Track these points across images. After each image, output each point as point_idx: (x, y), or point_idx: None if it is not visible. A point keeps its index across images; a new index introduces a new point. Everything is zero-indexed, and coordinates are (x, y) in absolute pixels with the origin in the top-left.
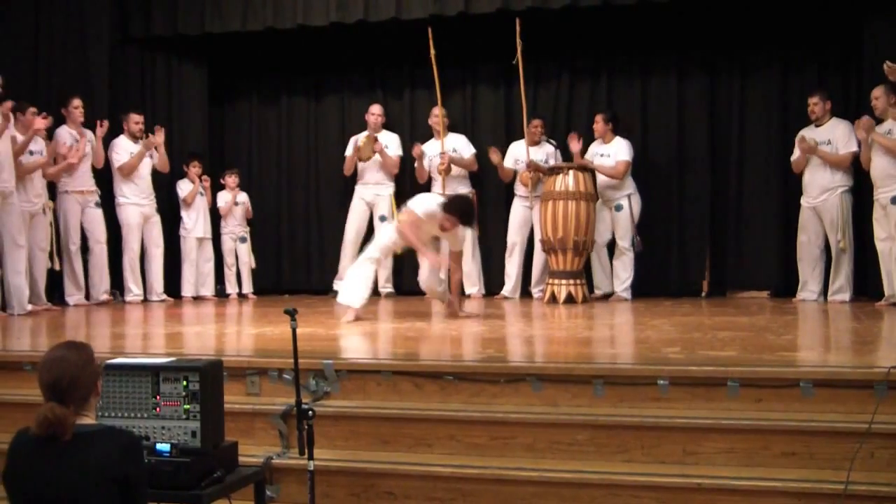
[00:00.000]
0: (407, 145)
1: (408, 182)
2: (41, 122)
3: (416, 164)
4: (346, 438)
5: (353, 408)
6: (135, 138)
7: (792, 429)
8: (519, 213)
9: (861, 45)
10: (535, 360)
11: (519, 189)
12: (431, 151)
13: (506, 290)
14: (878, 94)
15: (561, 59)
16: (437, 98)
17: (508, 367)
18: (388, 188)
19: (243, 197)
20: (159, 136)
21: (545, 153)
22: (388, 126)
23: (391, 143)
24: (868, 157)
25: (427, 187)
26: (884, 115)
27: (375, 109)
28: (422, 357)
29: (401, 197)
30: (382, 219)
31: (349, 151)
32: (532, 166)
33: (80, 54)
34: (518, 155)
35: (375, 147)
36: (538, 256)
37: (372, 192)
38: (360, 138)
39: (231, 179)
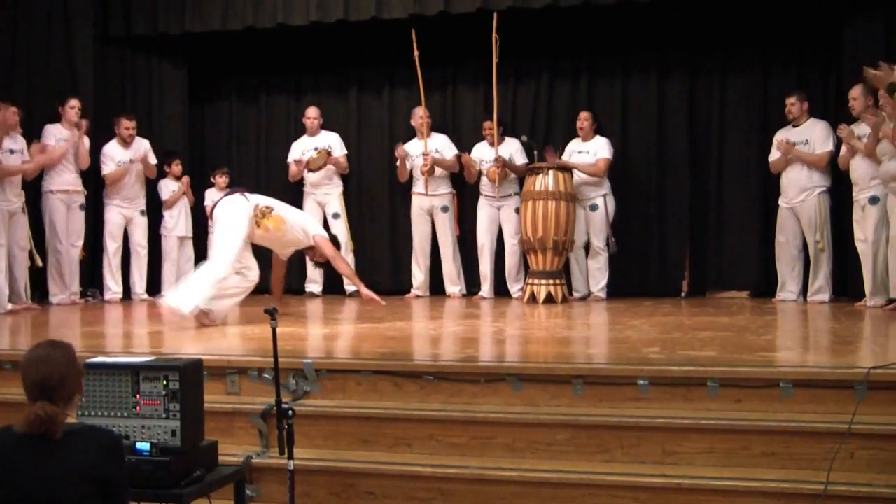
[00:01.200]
0: (387, 145)
1: (354, 180)
2: (12, 118)
3: (397, 164)
4: (326, 438)
5: (333, 407)
6: (125, 143)
7: (772, 429)
8: (486, 212)
9: (840, 46)
10: (515, 360)
11: (485, 188)
12: (414, 152)
13: (483, 291)
14: (855, 95)
15: (541, 59)
16: (420, 98)
17: (488, 367)
18: (338, 186)
19: None
20: (143, 155)
21: (509, 151)
22: (370, 126)
23: (334, 143)
24: (846, 159)
25: (408, 186)
26: (861, 115)
27: (312, 112)
28: (402, 357)
29: (348, 194)
30: (336, 216)
31: (295, 156)
32: (500, 162)
33: (61, 54)
34: (482, 155)
35: (329, 160)
36: (510, 256)
37: (322, 192)
38: (306, 145)
39: (221, 179)
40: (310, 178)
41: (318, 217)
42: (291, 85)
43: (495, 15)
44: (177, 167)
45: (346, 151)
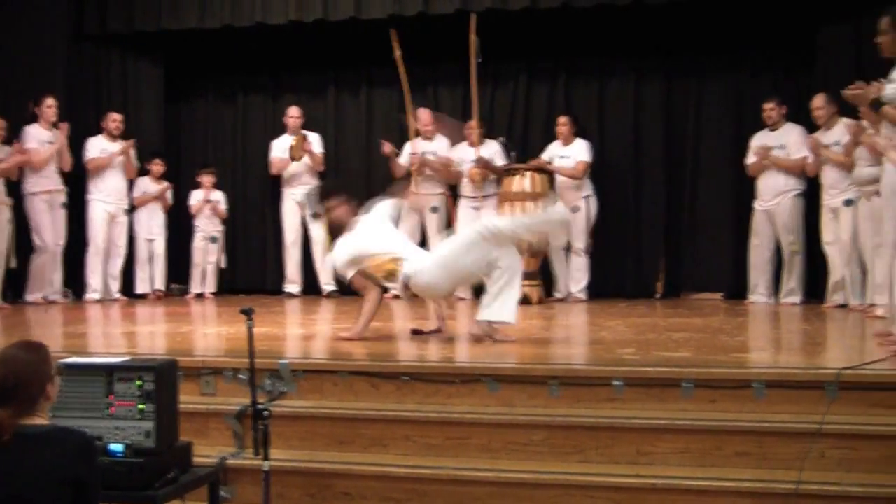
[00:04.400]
0: (364, 145)
1: (331, 177)
2: None
3: (390, 162)
4: (302, 439)
5: (309, 408)
6: (112, 137)
7: (745, 429)
8: (467, 214)
9: (814, 52)
10: (492, 361)
11: (465, 189)
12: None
13: (461, 292)
14: (819, 104)
15: (519, 61)
16: (402, 98)
17: (464, 368)
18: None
19: (217, 196)
20: (129, 144)
21: (490, 152)
22: (348, 126)
23: (313, 141)
24: (815, 167)
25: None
26: (827, 123)
27: (293, 112)
28: (379, 357)
29: None
30: (315, 216)
31: (277, 153)
32: (481, 163)
33: (35, 52)
34: (462, 155)
35: (305, 146)
36: None
37: (300, 192)
38: (287, 142)
39: (206, 179)
40: (288, 178)
41: (297, 217)
42: (269, 84)
43: (472, 17)
44: (157, 167)
45: (323, 150)
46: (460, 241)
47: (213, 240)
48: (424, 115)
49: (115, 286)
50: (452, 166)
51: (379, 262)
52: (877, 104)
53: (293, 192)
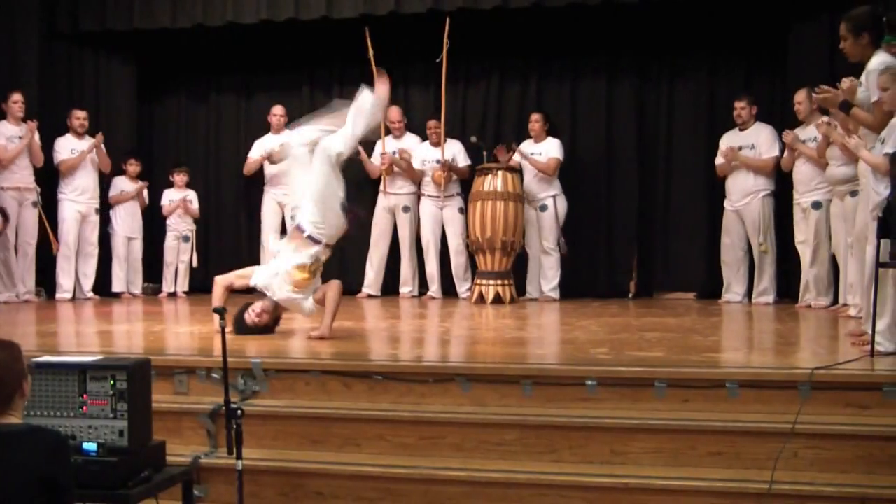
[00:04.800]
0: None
1: None
2: None
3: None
4: (275, 438)
5: (282, 407)
6: (78, 135)
7: (718, 429)
8: (429, 212)
9: (786, 50)
10: (464, 361)
11: (428, 188)
12: (389, 148)
13: (432, 291)
14: (800, 99)
15: (491, 60)
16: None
17: (437, 367)
18: None
19: (191, 195)
20: (99, 139)
21: (453, 152)
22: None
23: None
24: (790, 162)
25: (377, 183)
26: (807, 119)
27: (277, 110)
28: (351, 357)
29: None
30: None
31: (255, 154)
32: (445, 165)
33: (8, 50)
34: (425, 155)
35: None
36: (455, 256)
37: (282, 191)
38: (269, 142)
39: (179, 178)
40: (270, 177)
41: (277, 216)
42: (242, 83)
43: (447, 19)
44: (133, 167)
45: None
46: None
47: (186, 239)
48: (394, 112)
49: (87, 285)
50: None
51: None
52: (845, 106)
53: (275, 191)
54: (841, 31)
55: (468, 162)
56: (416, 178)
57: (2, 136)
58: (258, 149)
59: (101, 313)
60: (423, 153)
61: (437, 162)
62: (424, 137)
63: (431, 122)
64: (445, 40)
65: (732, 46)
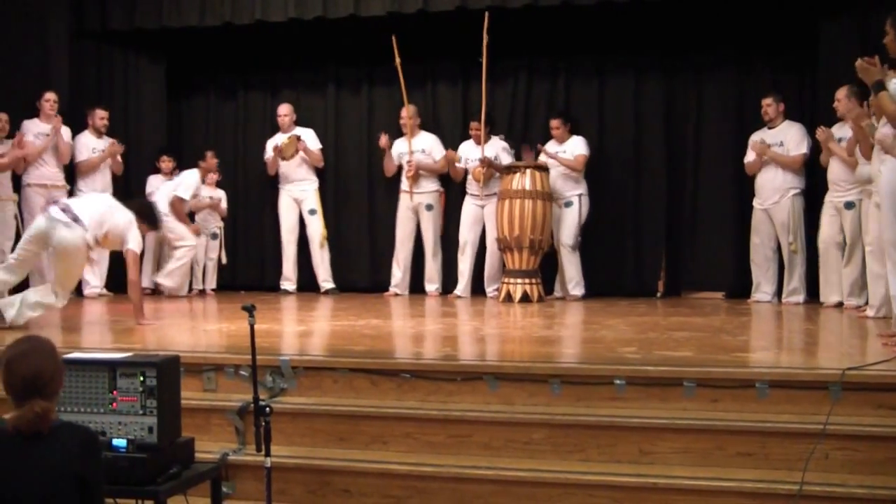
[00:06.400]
0: (365, 142)
1: (332, 177)
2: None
3: (384, 157)
4: (303, 435)
5: (310, 405)
6: (99, 134)
7: (747, 429)
8: (471, 211)
9: (816, 48)
10: (492, 359)
11: (471, 187)
12: (400, 150)
13: (459, 289)
14: (840, 97)
15: (519, 59)
16: (402, 98)
17: (465, 366)
18: (314, 183)
19: (219, 193)
20: (118, 148)
21: (495, 150)
22: (348, 124)
23: (308, 137)
24: (827, 157)
25: (389, 183)
26: (844, 116)
27: (283, 110)
28: (379, 355)
29: (324, 190)
30: (312, 212)
31: (269, 154)
32: (485, 162)
33: (36, 48)
34: (468, 153)
35: (299, 146)
36: (490, 255)
37: (298, 188)
38: (279, 140)
39: (165, 164)
40: (285, 174)
41: (294, 213)
42: (269, 81)
43: (486, 15)
44: (166, 163)
45: (320, 146)
46: None
47: (214, 236)
48: (405, 111)
49: (100, 281)
50: (455, 159)
51: None
52: (878, 86)
53: (289, 188)
54: (886, 26)
55: (511, 160)
56: (435, 172)
57: (30, 132)
58: (271, 148)
59: (130, 310)
60: (465, 151)
61: (478, 160)
62: (443, 134)
63: (473, 123)
64: (485, 35)
65: (760, 44)
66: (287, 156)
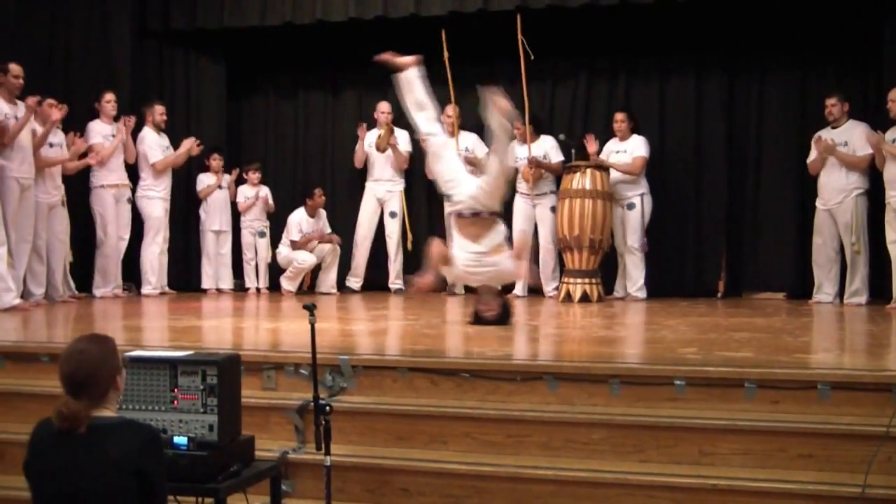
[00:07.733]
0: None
1: (417, 179)
2: (57, 113)
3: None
4: (362, 434)
5: (369, 404)
6: (159, 129)
7: (808, 431)
8: (521, 209)
9: (881, 47)
10: (552, 359)
11: (521, 186)
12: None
13: (517, 289)
14: (893, 97)
15: (579, 58)
16: (451, 97)
17: (525, 366)
18: (399, 185)
19: (265, 191)
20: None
21: (544, 149)
22: (401, 122)
23: (401, 139)
24: (882, 160)
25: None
26: None
27: (384, 107)
28: (438, 354)
29: (409, 193)
30: (393, 215)
31: (363, 145)
32: (533, 162)
33: (99, 48)
34: (517, 153)
35: (391, 140)
36: (544, 254)
37: (384, 188)
38: (376, 132)
39: (254, 175)
40: (375, 171)
41: (375, 215)
42: (329, 80)
43: (518, 17)
44: (215, 161)
45: (410, 149)
46: None
47: (262, 234)
48: (447, 109)
49: (154, 279)
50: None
51: None
52: None
53: (374, 186)
54: None
55: (561, 158)
56: (554, 172)
57: (98, 135)
58: (365, 142)
59: (190, 308)
60: (514, 151)
61: (526, 160)
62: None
63: (517, 123)
64: (520, 37)
65: (823, 43)
66: (381, 147)
